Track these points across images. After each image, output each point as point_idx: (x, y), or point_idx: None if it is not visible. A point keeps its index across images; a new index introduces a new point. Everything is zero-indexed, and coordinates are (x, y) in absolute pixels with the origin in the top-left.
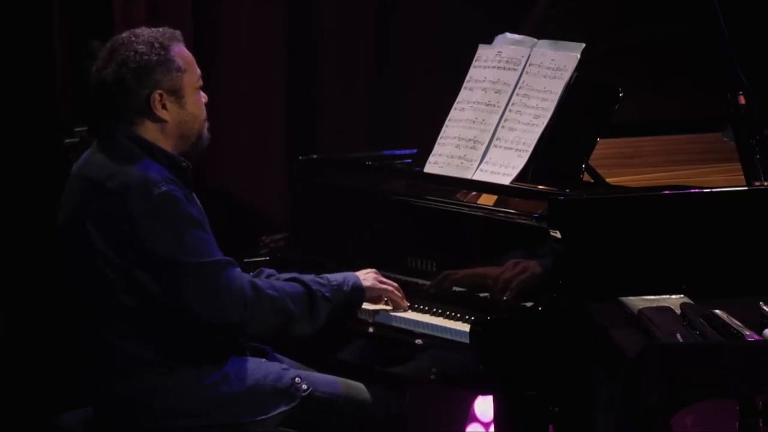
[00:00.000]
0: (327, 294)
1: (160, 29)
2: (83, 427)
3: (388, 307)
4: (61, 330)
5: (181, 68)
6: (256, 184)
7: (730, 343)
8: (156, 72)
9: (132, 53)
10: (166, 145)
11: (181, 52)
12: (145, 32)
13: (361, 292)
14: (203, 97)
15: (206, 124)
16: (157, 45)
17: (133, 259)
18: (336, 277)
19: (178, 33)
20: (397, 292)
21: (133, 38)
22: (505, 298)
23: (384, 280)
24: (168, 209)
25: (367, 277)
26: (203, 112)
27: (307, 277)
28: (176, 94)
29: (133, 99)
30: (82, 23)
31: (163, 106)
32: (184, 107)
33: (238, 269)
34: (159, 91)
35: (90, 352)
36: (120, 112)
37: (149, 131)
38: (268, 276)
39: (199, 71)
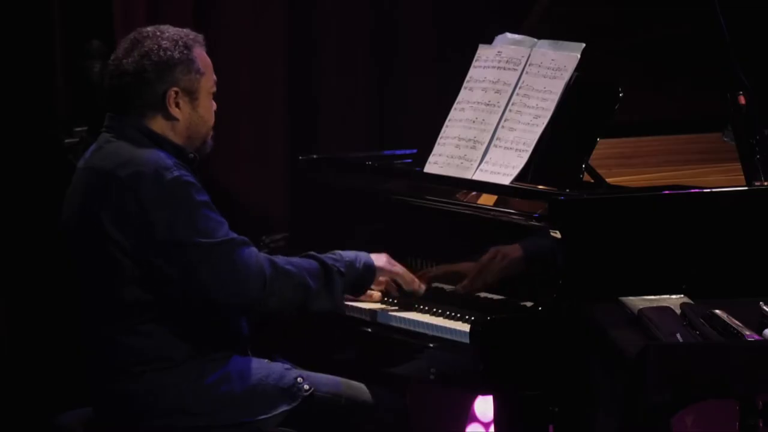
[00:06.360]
0: (342, 269)
1: (185, 30)
2: (83, 427)
3: (391, 307)
4: (62, 329)
5: (201, 71)
6: (256, 184)
7: (730, 343)
8: (176, 69)
9: (156, 47)
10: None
11: (201, 55)
12: (170, 29)
13: (372, 271)
14: (214, 105)
15: (211, 132)
16: (181, 43)
17: (148, 245)
18: (348, 254)
19: (201, 37)
20: (406, 275)
21: (158, 33)
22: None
23: (396, 263)
24: (180, 193)
25: (379, 257)
26: (212, 118)
27: (320, 254)
28: (191, 95)
29: (149, 92)
30: (82, 23)
31: (177, 104)
32: (197, 109)
33: (254, 248)
34: (175, 89)
35: (92, 349)
36: (134, 103)
37: (159, 126)
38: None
39: (215, 78)
